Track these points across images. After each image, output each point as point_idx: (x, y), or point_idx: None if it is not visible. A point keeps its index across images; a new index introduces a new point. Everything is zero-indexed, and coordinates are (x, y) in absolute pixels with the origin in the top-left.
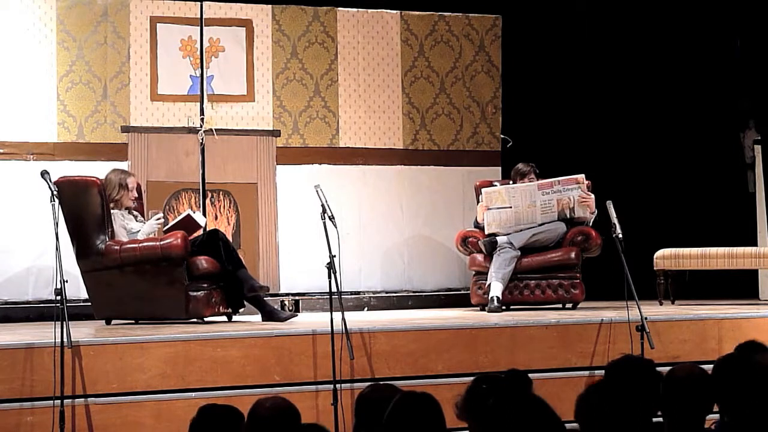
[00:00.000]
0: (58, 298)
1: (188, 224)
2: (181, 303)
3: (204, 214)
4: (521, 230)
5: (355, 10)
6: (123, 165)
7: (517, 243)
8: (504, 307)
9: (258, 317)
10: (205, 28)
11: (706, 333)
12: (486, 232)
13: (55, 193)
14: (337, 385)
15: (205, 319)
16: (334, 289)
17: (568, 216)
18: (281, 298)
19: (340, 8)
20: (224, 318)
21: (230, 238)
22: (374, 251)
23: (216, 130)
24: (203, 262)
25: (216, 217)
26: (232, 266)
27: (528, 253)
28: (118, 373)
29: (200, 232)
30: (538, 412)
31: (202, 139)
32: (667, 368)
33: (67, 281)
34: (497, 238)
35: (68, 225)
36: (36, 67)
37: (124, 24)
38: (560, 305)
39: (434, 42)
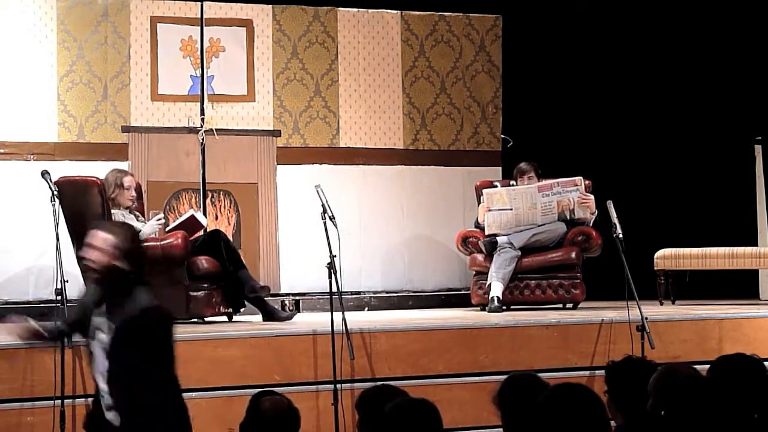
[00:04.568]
0: (59, 298)
1: (191, 225)
2: (182, 303)
3: (204, 215)
4: (521, 231)
5: (355, 10)
6: (123, 165)
7: (517, 243)
8: (504, 307)
9: (259, 317)
10: (205, 28)
11: (707, 333)
12: (486, 233)
13: (55, 193)
14: (338, 385)
15: (206, 319)
16: (334, 289)
17: (568, 217)
18: (282, 298)
19: (340, 8)
20: (225, 318)
21: (231, 239)
22: (374, 251)
23: (216, 130)
24: (204, 262)
25: (216, 218)
26: (233, 267)
27: (528, 253)
28: None
29: (202, 232)
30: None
31: (203, 139)
32: None
33: (67, 281)
34: (497, 238)
35: (69, 225)
36: (36, 67)
37: (125, 24)
38: (561, 305)
39: (435, 42)
